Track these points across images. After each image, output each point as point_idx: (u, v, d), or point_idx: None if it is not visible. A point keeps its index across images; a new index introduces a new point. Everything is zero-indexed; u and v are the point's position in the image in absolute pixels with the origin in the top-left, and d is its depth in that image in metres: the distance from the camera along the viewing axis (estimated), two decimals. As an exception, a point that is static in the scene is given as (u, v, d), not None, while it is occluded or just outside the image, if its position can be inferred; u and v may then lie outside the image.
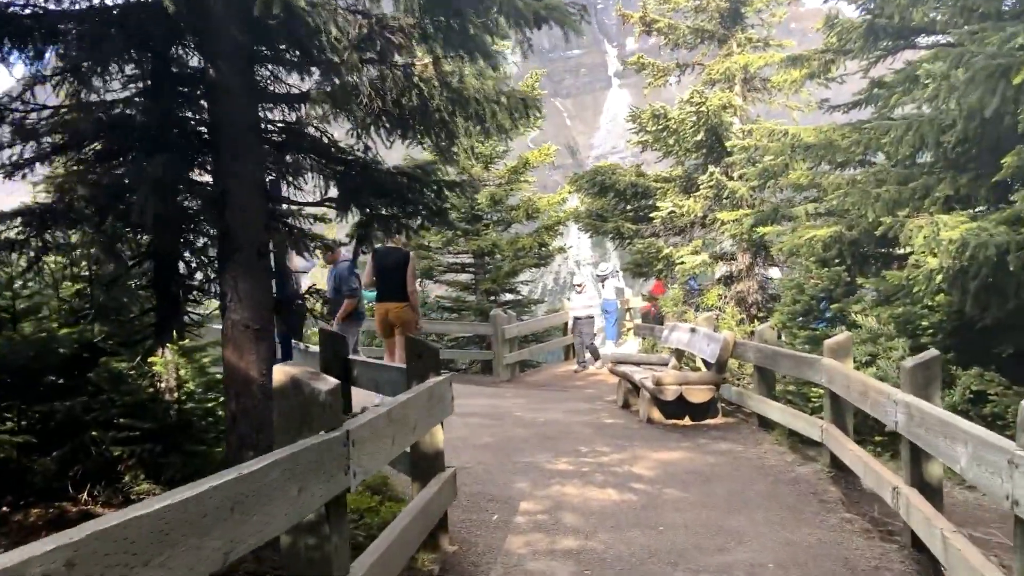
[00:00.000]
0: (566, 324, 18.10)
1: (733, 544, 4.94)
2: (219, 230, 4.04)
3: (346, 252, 10.00)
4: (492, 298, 17.19)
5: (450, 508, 5.52)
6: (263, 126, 4.48)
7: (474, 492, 6.01)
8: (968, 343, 7.56)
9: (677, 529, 5.22)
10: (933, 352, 4.72)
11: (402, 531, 3.77)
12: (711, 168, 10.93)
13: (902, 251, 9.30)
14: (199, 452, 4.61)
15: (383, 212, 4.70)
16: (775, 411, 7.93)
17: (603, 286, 19.29)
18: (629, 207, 12.68)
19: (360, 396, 8.46)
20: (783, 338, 9.14)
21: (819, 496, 6.13)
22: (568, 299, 15.39)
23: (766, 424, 8.43)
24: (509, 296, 17.69)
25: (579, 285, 14.73)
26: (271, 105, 4.51)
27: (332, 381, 2.92)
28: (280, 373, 2.85)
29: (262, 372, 4.02)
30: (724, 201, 11.62)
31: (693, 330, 9.92)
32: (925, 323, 7.80)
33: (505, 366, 14.98)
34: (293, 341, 10.82)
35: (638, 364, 10.76)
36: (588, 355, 14.69)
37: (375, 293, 10.57)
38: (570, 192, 15.89)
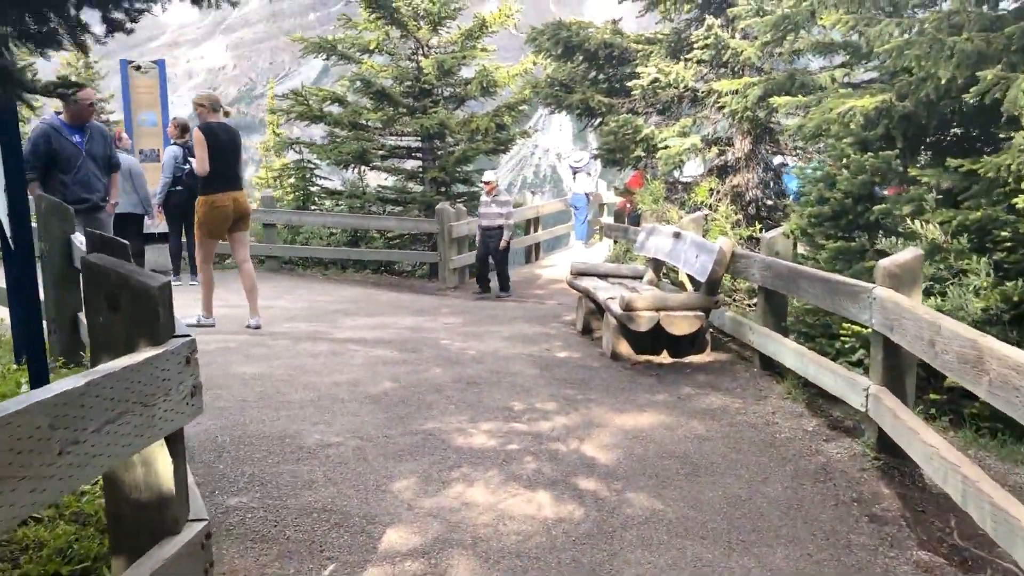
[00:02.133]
0: (528, 221, 15.73)
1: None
2: None
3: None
4: (443, 189, 14.66)
5: (255, 548, 3.24)
6: None
7: (317, 504, 3.70)
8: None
9: (644, 601, 2.97)
10: None
11: None
12: (709, 20, 8.30)
13: (969, 131, 6.89)
14: None
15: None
16: (789, 354, 5.65)
17: (575, 178, 16.82)
18: (601, 75, 10.04)
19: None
20: (799, 249, 6.83)
21: (867, 507, 3.91)
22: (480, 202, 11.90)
23: (771, 365, 6.20)
24: (463, 187, 15.14)
25: (486, 183, 11.66)
26: None
27: None
28: None
29: None
30: (724, 69, 9.05)
31: (677, 235, 7.54)
32: (1006, 233, 5.47)
33: (452, 270, 12.70)
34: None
35: (604, 277, 8.42)
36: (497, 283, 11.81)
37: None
38: (535, 62, 13.16)
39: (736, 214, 9.24)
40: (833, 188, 6.06)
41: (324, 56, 13.96)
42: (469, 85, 14.02)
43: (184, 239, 10.67)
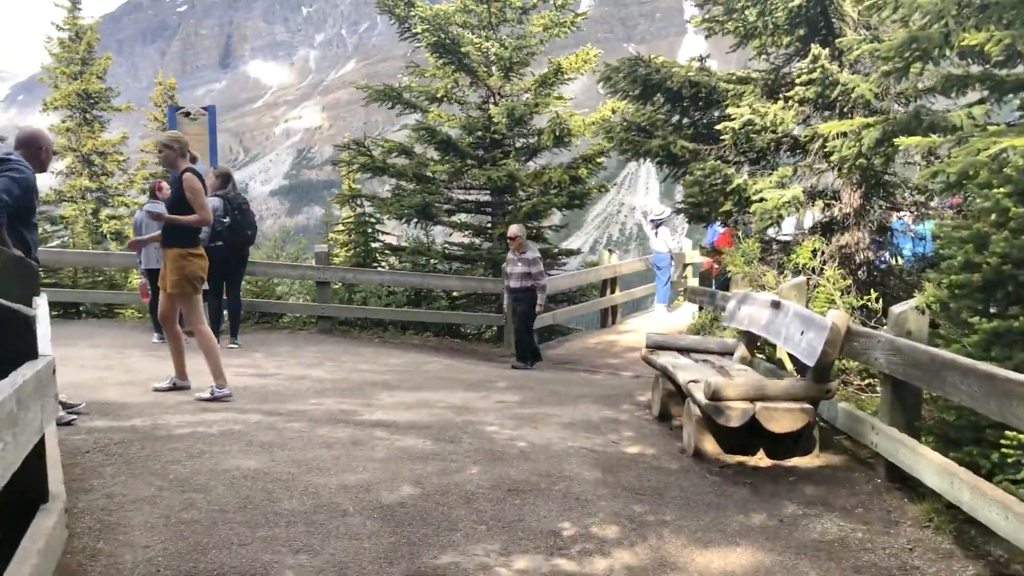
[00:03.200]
0: (604, 282, 14.51)
1: None
2: None
3: None
4: (512, 246, 13.59)
5: None
6: None
7: None
8: None
9: None
10: None
11: None
12: (815, 50, 6.99)
13: None
14: None
15: None
16: (932, 471, 4.25)
17: (656, 234, 15.53)
18: (686, 119, 8.82)
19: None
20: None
21: None
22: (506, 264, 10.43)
23: (898, 474, 4.79)
24: (533, 243, 14.04)
25: (511, 238, 10.19)
26: None
27: None
28: None
29: None
30: (830, 111, 7.74)
31: (776, 305, 6.21)
32: None
33: (517, 335, 11.52)
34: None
35: (687, 351, 7.13)
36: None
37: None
38: (613, 110, 12.09)
39: (845, 279, 7.82)
40: (985, 250, 4.68)
41: (389, 104, 13.22)
42: (542, 135, 13.02)
43: (225, 297, 9.87)
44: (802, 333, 5.55)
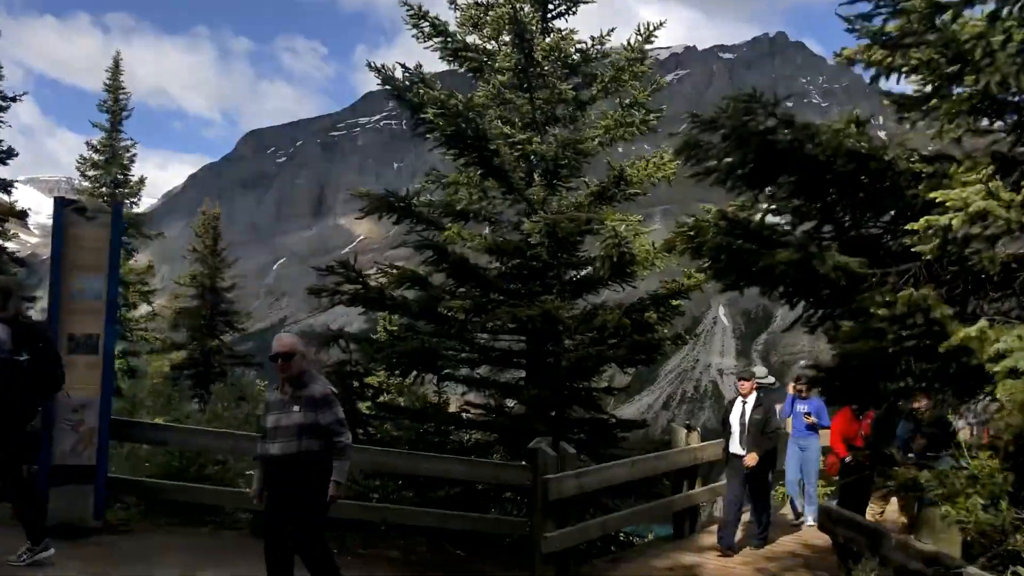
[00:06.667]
0: (679, 472, 10.30)
1: None
2: None
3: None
4: (551, 412, 9.75)
5: None
6: None
7: None
8: None
9: None
10: None
11: None
12: None
13: None
14: None
15: None
16: None
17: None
18: (846, 216, 4.90)
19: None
20: None
21: None
22: None
23: None
24: (582, 412, 10.16)
25: (282, 358, 5.14)
26: None
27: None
28: None
29: None
30: None
31: None
32: None
33: (546, 555, 7.55)
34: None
35: None
36: None
37: None
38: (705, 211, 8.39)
39: None
40: None
41: (394, 218, 9.87)
42: (597, 263, 9.37)
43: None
44: None
